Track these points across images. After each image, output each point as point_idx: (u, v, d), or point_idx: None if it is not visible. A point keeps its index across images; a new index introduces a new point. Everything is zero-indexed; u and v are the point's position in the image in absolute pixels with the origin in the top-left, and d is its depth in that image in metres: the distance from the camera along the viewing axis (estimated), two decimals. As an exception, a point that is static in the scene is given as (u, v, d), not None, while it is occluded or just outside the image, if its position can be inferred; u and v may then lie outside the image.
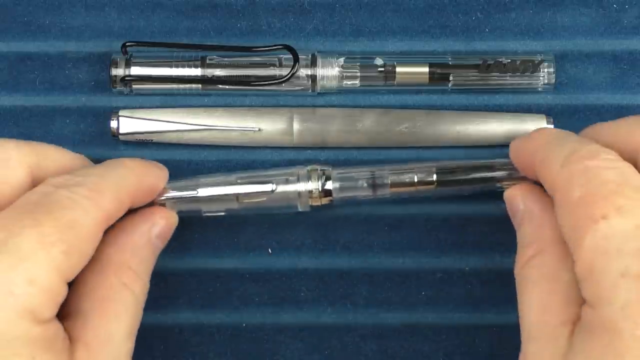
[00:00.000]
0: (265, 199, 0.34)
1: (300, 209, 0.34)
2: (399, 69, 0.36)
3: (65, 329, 0.28)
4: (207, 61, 0.36)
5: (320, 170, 0.34)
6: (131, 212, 0.31)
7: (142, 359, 0.32)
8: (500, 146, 0.36)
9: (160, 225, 0.32)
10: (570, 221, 0.27)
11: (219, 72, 0.36)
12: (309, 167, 0.34)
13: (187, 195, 0.33)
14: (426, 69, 0.36)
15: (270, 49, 0.36)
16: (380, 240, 0.36)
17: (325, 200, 0.34)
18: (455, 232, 0.36)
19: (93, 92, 0.37)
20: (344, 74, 0.36)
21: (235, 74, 0.36)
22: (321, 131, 0.36)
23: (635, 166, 0.28)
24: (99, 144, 0.36)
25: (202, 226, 0.36)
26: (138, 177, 0.31)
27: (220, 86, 0.36)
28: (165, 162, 0.34)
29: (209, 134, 0.36)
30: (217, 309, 0.36)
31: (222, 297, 0.36)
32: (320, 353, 0.36)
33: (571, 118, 0.36)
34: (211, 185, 0.33)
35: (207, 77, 0.36)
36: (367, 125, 0.36)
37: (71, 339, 0.28)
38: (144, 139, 0.36)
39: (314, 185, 0.34)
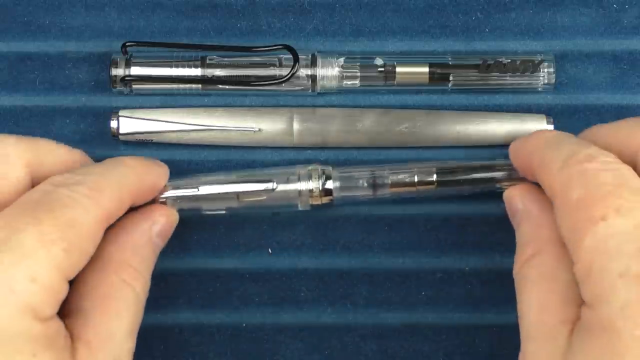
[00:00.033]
0: (265, 197, 0.34)
1: (300, 208, 0.34)
2: (399, 69, 0.36)
3: (67, 327, 0.28)
4: (207, 61, 0.36)
5: (321, 169, 0.34)
6: (132, 210, 0.31)
7: (142, 359, 0.32)
8: (500, 146, 0.36)
9: (160, 223, 0.32)
10: (569, 223, 0.27)
11: (219, 72, 0.36)
12: (309, 167, 0.34)
13: (188, 194, 0.33)
14: (426, 69, 0.36)
15: (270, 49, 0.36)
16: (380, 240, 0.36)
17: (325, 200, 0.34)
18: (455, 232, 0.36)
19: (93, 92, 0.37)
20: (344, 74, 0.36)
21: (235, 74, 0.36)
22: (321, 131, 0.36)
23: (635, 168, 0.28)
24: (99, 144, 0.36)
25: (202, 226, 0.36)
26: (139, 175, 0.31)
27: (220, 86, 0.36)
28: (165, 162, 0.34)
29: (209, 134, 0.36)
30: (217, 309, 0.36)
31: (222, 297, 0.36)
32: (320, 353, 0.36)
33: (571, 118, 0.37)
34: (212, 184, 0.33)
35: (207, 77, 0.36)
36: (367, 125, 0.36)
37: (72, 337, 0.28)
38: (144, 139, 0.36)
39: (314, 184, 0.34)
